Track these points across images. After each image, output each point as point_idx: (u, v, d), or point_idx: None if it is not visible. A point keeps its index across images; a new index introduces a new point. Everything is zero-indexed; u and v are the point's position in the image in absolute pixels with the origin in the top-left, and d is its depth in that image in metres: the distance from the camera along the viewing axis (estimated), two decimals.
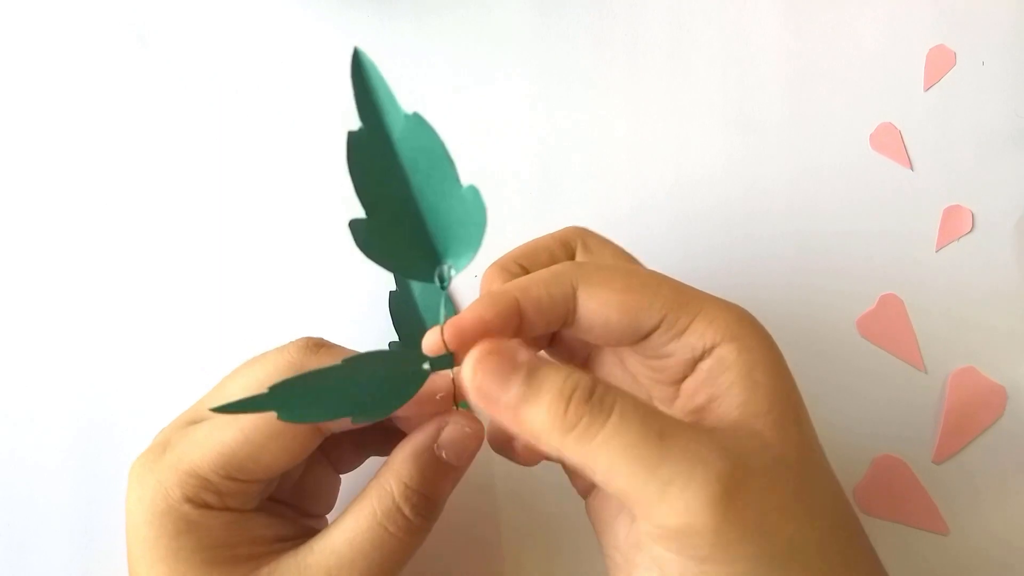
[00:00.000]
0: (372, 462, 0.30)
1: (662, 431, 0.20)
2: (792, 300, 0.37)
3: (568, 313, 0.23)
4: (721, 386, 0.22)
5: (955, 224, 0.38)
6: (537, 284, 0.23)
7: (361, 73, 0.21)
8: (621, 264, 0.27)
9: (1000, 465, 0.35)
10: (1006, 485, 0.35)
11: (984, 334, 0.37)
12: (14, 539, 0.34)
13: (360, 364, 0.22)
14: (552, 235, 0.28)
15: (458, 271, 0.23)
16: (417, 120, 0.21)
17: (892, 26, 0.41)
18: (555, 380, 0.20)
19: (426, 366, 0.22)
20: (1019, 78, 0.40)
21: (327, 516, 0.30)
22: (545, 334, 0.25)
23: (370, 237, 0.22)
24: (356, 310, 0.37)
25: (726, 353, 0.22)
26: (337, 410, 0.21)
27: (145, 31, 0.40)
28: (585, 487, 0.26)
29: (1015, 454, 0.36)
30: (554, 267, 0.24)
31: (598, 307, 0.23)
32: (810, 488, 0.22)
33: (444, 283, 0.23)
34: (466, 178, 0.22)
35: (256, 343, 0.28)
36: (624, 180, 0.39)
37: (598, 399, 0.20)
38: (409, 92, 0.40)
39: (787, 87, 0.40)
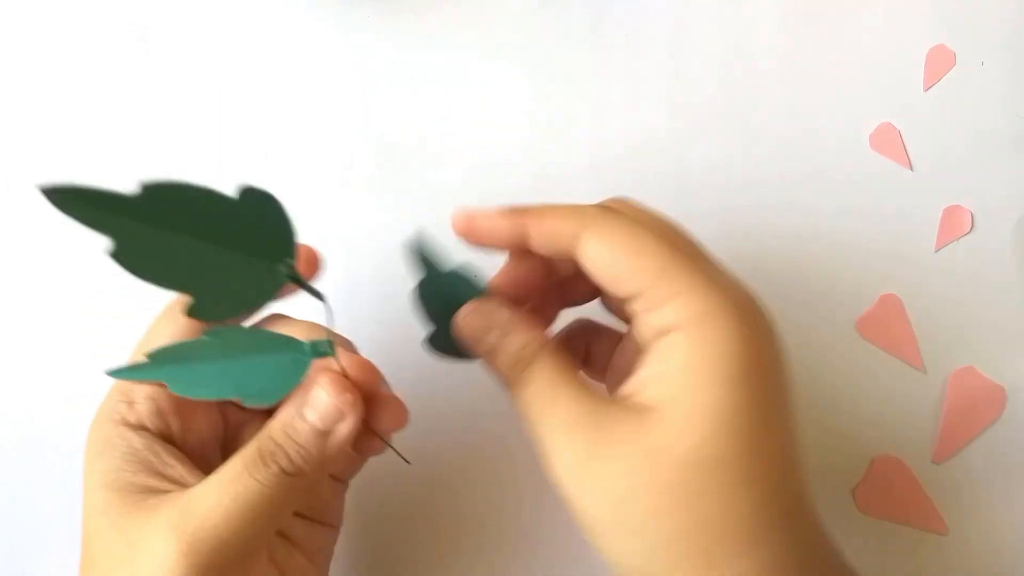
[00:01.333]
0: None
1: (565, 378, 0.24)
2: (792, 300, 0.37)
3: (572, 248, 0.24)
4: (644, 365, 0.23)
5: (955, 224, 0.38)
6: (553, 213, 0.25)
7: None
8: (645, 218, 0.26)
9: (1000, 465, 0.35)
10: (1006, 485, 0.35)
11: (984, 334, 0.37)
12: (14, 539, 0.34)
13: (227, 336, 0.24)
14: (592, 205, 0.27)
15: (293, 259, 0.24)
16: (157, 187, 0.21)
17: (892, 26, 0.41)
18: (514, 346, 0.25)
19: (306, 349, 0.24)
20: (1019, 78, 0.40)
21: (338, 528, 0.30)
22: (561, 274, 0.28)
23: (212, 307, 0.23)
24: (357, 312, 0.37)
25: (679, 339, 0.22)
26: (222, 390, 0.23)
27: (145, 30, 0.40)
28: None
29: (1015, 454, 0.36)
30: (577, 204, 0.25)
31: (596, 252, 0.24)
32: (693, 481, 0.21)
33: (294, 276, 0.24)
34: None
35: None
36: (623, 179, 0.39)
37: (531, 364, 0.25)
38: (409, 92, 0.40)
39: (786, 87, 0.40)
